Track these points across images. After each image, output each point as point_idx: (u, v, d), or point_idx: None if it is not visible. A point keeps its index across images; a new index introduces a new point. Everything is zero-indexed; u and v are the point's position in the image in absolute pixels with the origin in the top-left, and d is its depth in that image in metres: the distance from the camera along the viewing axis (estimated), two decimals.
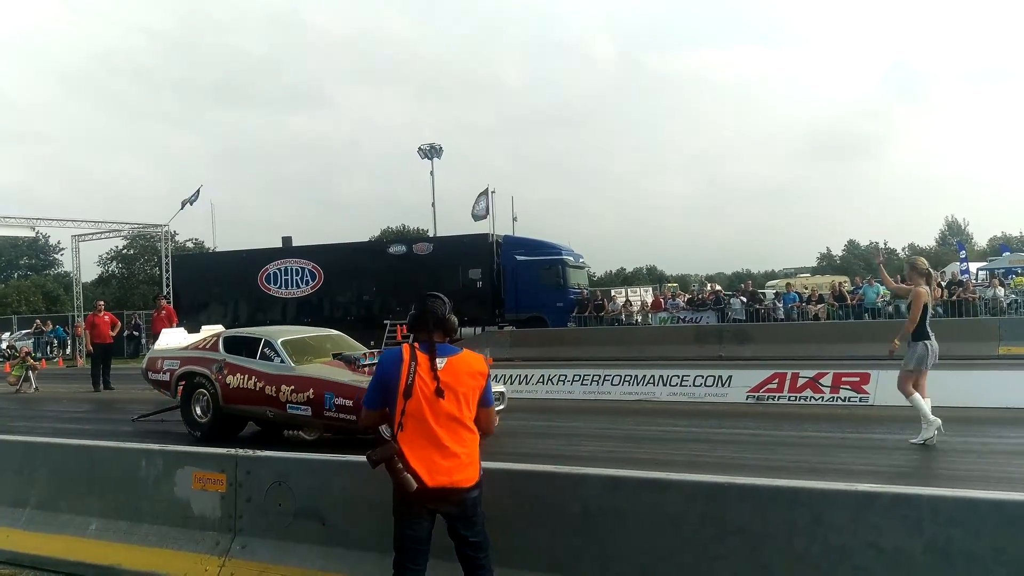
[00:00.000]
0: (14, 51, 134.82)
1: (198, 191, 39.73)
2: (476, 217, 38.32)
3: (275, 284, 34.89)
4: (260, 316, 34.76)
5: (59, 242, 73.69)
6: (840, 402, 13.53)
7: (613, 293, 38.45)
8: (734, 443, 11.13)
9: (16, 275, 79.17)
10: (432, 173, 45.27)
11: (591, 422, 13.01)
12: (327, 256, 34.78)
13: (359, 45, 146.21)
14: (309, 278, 34.39)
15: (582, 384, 15.96)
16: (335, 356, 12.29)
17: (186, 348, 14.06)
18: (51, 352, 38.55)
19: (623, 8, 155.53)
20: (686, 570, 4.53)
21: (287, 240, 37.75)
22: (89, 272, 63.96)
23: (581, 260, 34.38)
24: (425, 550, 4.54)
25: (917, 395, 9.80)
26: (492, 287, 31.52)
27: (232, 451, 6.28)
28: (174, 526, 6.38)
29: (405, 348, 4.53)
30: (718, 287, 36.86)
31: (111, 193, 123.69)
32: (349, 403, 10.85)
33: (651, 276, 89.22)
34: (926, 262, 10.15)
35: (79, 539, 6.78)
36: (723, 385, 14.70)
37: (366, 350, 12.89)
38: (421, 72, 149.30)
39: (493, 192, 38.82)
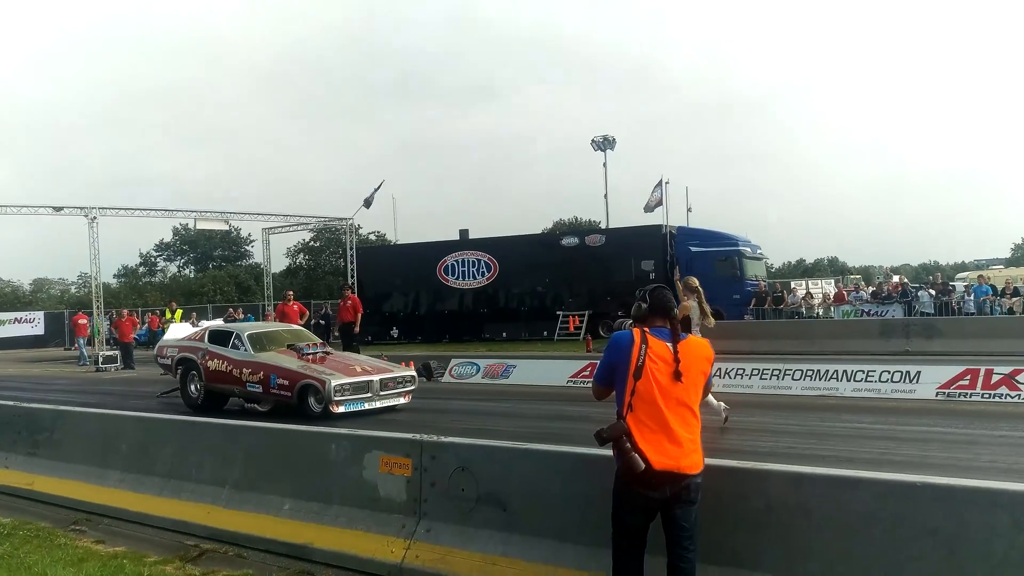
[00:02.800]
0: (203, 49, 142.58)
1: (380, 185, 41.04)
2: (648, 208, 38.06)
3: (452, 275, 35.71)
4: (439, 306, 35.77)
5: (250, 234, 77.19)
6: None
7: (793, 285, 37.37)
8: (923, 441, 10.69)
9: (211, 265, 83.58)
10: (605, 165, 45.27)
11: (770, 417, 12.73)
12: (502, 248, 35.32)
13: (532, 39, 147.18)
14: (485, 269, 35.01)
15: (760, 378, 15.67)
16: (288, 346, 15.18)
17: (184, 339, 17.49)
18: None
19: None
20: (875, 570, 4.40)
21: (464, 232, 38.59)
22: (278, 263, 66.81)
23: (759, 251, 33.56)
24: (643, 541, 4.62)
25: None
26: (665, 279, 31.08)
27: (417, 437, 6.46)
28: (362, 508, 6.61)
29: (636, 332, 4.64)
30: (904, 279, 35.31)
31: (296, 187, 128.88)
32: (286, 383, 14.08)
33: (832, 267, 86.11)
34: (696, 281, 12.23)
35: (273, 518, 7.12)
36: (911, 381, 14.15)
37: (317, 340, 16.15)
38: (593, 65, 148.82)
39: (667, 183, 38.47)
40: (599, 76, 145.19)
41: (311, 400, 13.86)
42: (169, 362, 16.75)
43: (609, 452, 4.65)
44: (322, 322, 38.77)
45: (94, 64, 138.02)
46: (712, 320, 11.89)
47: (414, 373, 15.48)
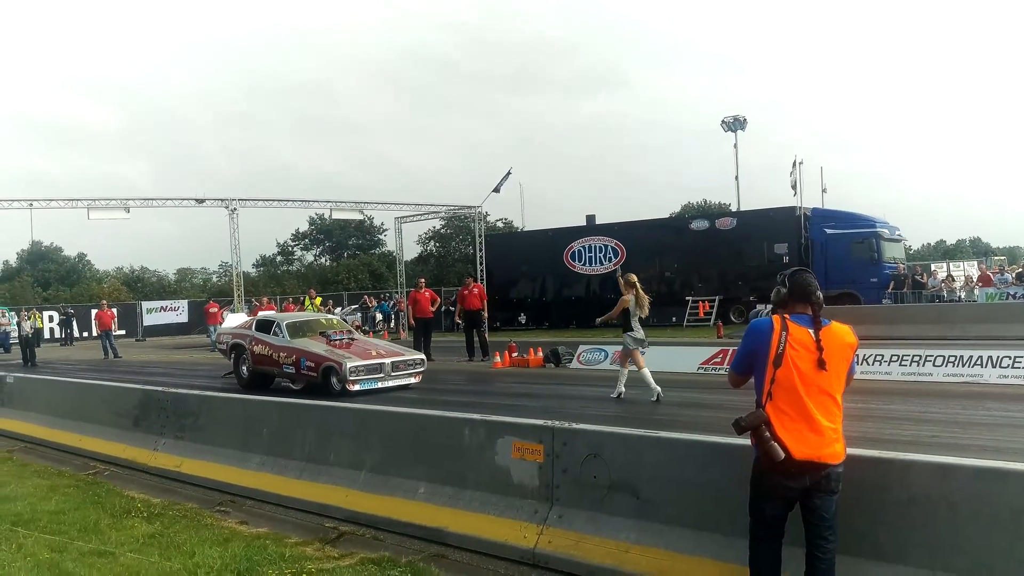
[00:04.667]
0: (332, 45, 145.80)
1: (508, 173, 41.25)
2: (795, 188, 37.25)
3: (579, 261, 35.71)
4: (565, 292, 35.83)
5: (382, 223, 78.73)
6: None
7: (933, 268, 35.98)
8: None
9: (345, 254, 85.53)
10: (736, 146, 44.46)
11: (911, 404, 12.30)
12: (629, 233, 35.11)
13: (653, 22, 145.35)
14: (612, 255, 34.88)
15: (900, 364, 15.13)
16: (320, 333, 17.17)
17: (238, 327, 19.97)
18: (376, 325, 41.13)
19: None
20: None
21: (591, 218, 38.48)
22: (409, 251, 67.89)
23: (897, 233, 32.41)
24: (781, 531, 4.56)
25: (626, 371, 13.83)
26: (799, 262, 30.23)
27: (549, 423, 6.48)
28: (495, 493, 6.68)
29: (775, 319, 4.53)
30: None
31: (421, 179, 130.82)
32: (313, 365, 16.01)
33: (975, 249, 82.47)
34: (635, 276, 13.60)
35: (408, 501, 7.25)
36: None
37: (346, 328, 18.48)
38: (716, 46, 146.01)
39: (800, 163, 37.52)
40: (722, 58, 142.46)
41: (333, 379, 15.62)
42: (225, 347, 19.14)
43: (745, 441, 4.58)
44: (451, 308, 39.39)
45: (225, 63, 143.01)
46: (646, 311, 13.35)
47: (423, 357, 17.41)
